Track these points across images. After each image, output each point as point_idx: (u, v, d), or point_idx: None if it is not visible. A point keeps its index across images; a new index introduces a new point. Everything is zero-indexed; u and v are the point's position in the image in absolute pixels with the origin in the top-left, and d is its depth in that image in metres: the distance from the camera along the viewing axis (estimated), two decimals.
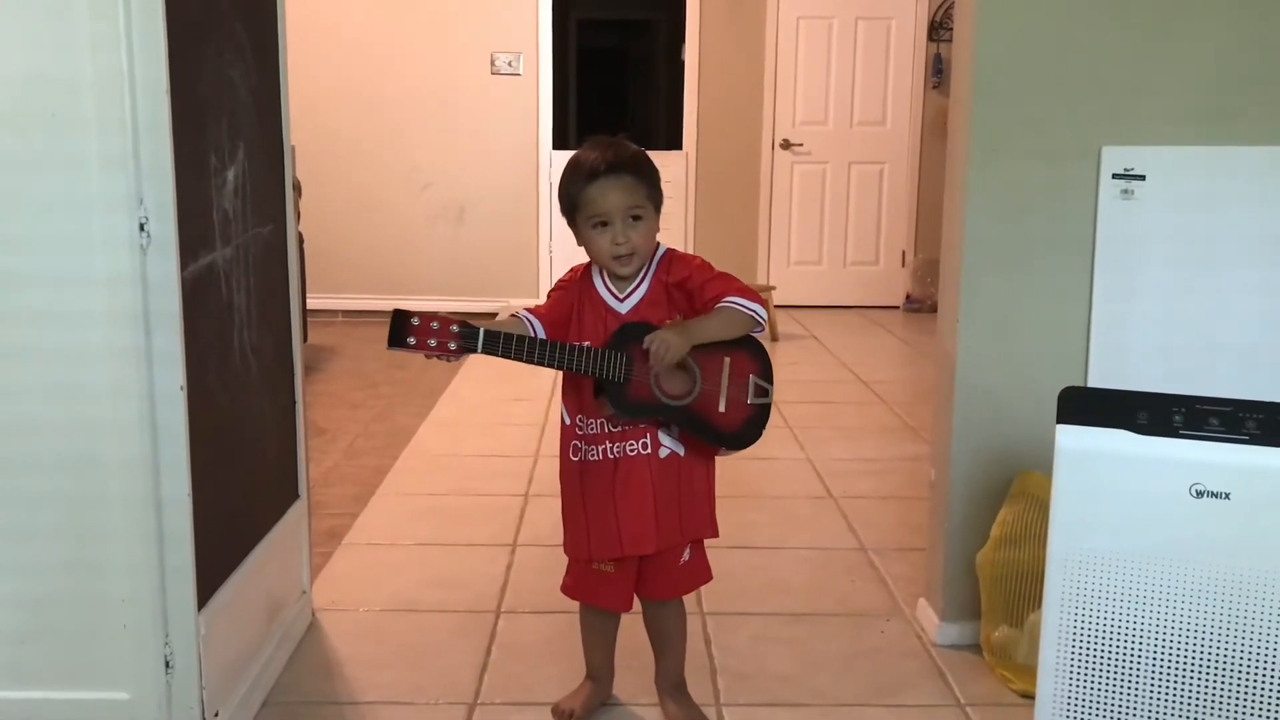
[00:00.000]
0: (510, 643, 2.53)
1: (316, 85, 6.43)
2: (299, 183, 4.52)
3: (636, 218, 1.98)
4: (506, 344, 1.88)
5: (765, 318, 2.03)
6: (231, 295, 2.11)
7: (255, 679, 2.20)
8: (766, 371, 2.06)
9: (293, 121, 2.47)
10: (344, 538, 3.18)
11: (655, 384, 1.96)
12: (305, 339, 4.34)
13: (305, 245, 4.91)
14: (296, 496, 2.55)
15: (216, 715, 1.98)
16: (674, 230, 7.32)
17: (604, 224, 1.97)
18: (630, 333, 1.96)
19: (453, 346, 1.85)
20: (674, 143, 7.49)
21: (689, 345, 1.94)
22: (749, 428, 2.05)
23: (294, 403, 2.53)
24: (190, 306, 1.87)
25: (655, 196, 2.01)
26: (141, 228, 1.78)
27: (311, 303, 5.72)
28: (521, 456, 3.99)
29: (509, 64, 7.09)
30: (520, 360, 1.91)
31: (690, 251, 8.50)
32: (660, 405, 1.97)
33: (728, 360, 2.01)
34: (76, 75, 1.74)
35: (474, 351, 1.87)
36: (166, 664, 1.91)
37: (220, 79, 2.06)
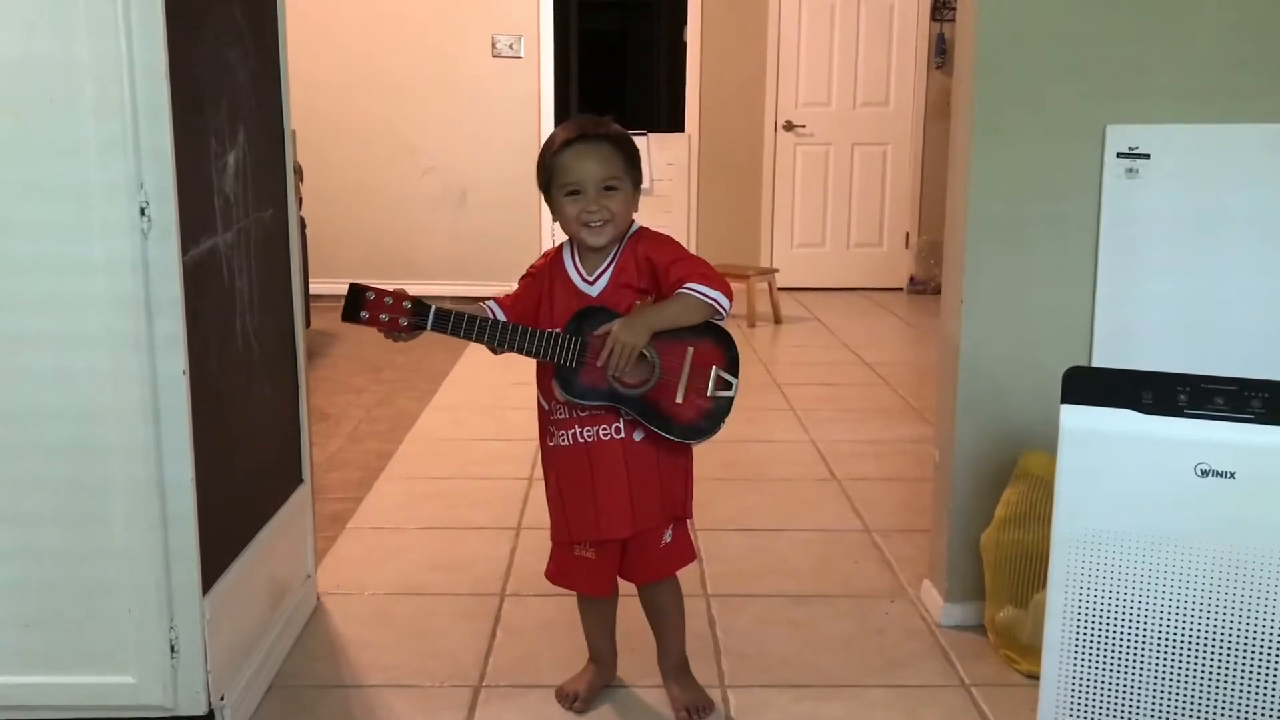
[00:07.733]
0: (515, 625, 2.53)
1: (317, 69, 6.41)
2: (300, 167, 4.51)
3: (611, 188, 1.94)
4: (456, 323, 1.91)
5: (727, 306, 1.95)
6: (233, 280, 2.10)
7: (260, 663, 2.20)
8: (733, 364, 1.98)
9: (293, 105, 2.45)
10: (348, 522, 3.18)
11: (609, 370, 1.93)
12: (308, 324, 4.33)
13: (307, 230, 4.89)
14: (300, 481, 2.55)
15: (222, 699, 1.99)
16: (677, 213, 7.30)
17: (576, 192, 1.94)
18: (589, 316, 1.94)
19: (403, 323, 1.91)
20: (676, 125, 7.45)
21: (646, 336, 1.90)
22: (706, 421, 1.96)
23: (297, 387, 2.52)
24: (192, 291, 1.86)
25: (633, 173, 1.97)
26: (142, 212, 1.78)
27: (314, 287, 5.70)
28: (524, 440, 3.98)
29: (510, 46, 7.06)
30: (470, 340, 1.93)
31: (693, 234, 8.44)
32: (611, 392, 1.94)
33: (691, 350, 1.95)
34: (74, 59, 1.73)
35: (424, 329, 1.92)
36: (171, 648, 1.91)
37: (219, 62, 2.05)
